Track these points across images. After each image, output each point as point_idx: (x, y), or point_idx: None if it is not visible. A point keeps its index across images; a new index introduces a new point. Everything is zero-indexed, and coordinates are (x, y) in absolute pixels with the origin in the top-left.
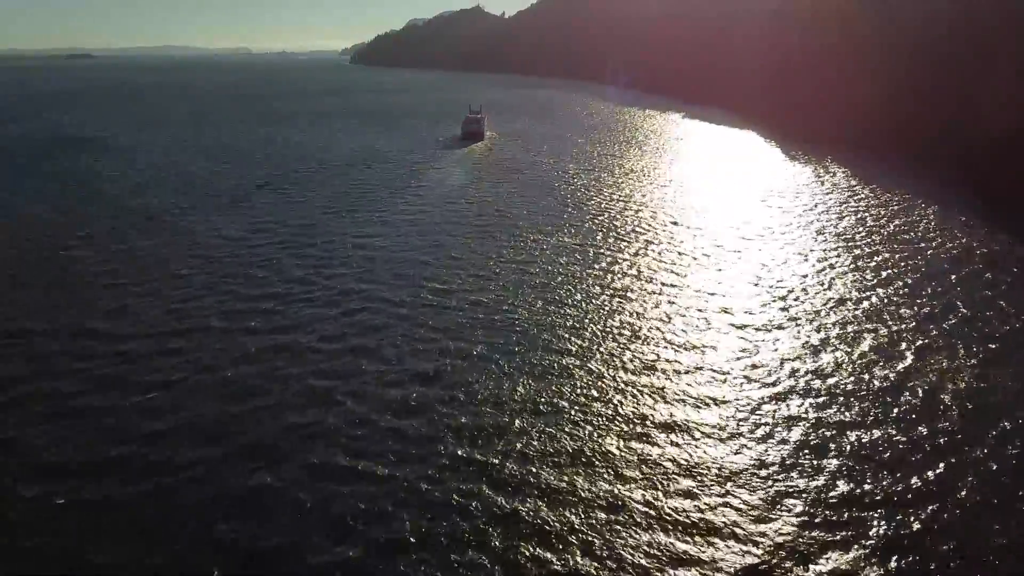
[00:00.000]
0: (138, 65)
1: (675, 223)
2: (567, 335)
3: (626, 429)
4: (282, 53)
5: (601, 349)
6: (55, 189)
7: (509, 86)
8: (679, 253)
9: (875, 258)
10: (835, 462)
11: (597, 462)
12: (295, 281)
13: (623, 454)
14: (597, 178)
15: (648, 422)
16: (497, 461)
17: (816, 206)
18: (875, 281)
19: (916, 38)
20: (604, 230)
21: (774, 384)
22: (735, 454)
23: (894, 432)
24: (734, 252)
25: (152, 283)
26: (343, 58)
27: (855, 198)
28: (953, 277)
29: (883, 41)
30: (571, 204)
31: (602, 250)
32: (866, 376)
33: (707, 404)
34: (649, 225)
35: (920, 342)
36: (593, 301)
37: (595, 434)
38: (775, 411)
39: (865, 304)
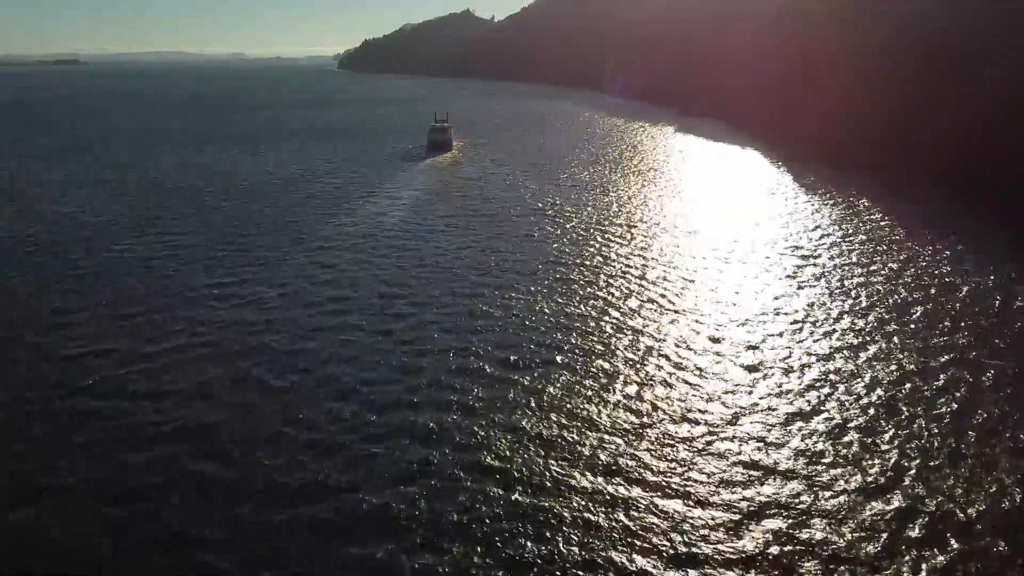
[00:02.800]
0: (122, 72)
1: (693, 289)
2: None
3: None
4: (276, 59)
5: None
6: None
7: (495, 94)
8: (696, 362)
9: (917, 326)
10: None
11: None
12: (60, 415)
13: None
14: (585, 223)
15: None
16: None
17: (842, 257)
18: (913, 359)
19: (945, 43)
20: (595, 317)
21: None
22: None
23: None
24: (751, 337)
25: None
26: (334, 64)
27: (891, 252)
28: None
29: (905, 46)
30: (550, 261)
31: (594, 355)
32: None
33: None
34: (657, 302)
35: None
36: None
37: None
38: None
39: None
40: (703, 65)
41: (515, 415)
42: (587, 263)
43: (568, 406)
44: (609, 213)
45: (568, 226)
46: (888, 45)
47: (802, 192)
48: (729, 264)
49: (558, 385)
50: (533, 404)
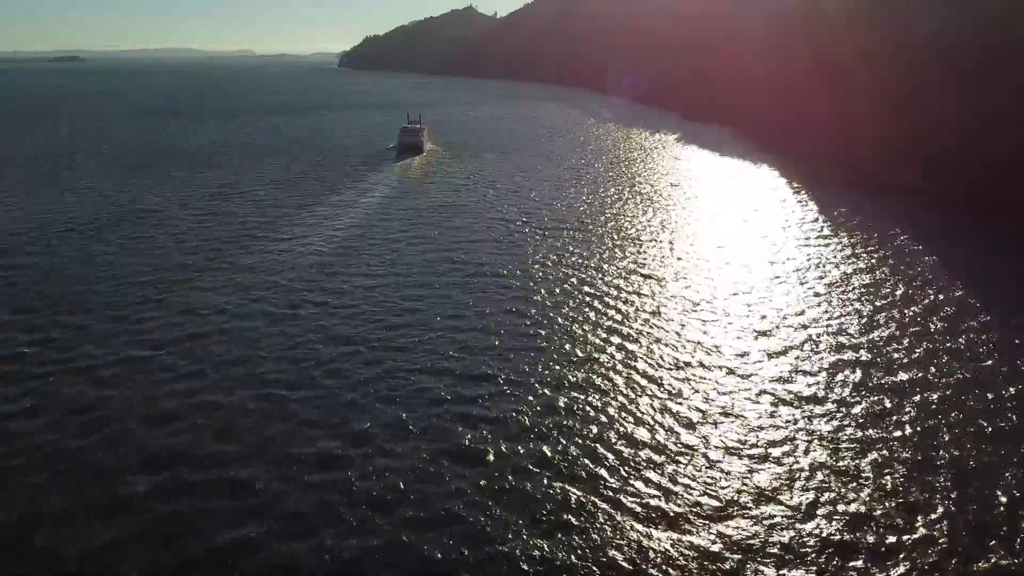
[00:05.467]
0: (116, 69)
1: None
2: None
3: None
4: (281, 56)
5: None
6: None
7: (490, 93)
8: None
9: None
10: None
11: None
12: None
13: None
14: (578, 279)
15: None
16: None
17: (890, 321)
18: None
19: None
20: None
21: None
22: None
23: None
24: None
25: None
26: (335, 62)
27: (951, 319)
28: None
29: (938, 49)
30: (526, 358)
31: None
32: None
33: None
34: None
35: None
36: None
37: None
38: None
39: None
40: (711, 67)
41: None
42: (574, 356)
43: None
44: (609, 261)
45: (555, 285)
46: (918, 47)
47: (835, 229)
48: (760, 349)
49: None
50: None
